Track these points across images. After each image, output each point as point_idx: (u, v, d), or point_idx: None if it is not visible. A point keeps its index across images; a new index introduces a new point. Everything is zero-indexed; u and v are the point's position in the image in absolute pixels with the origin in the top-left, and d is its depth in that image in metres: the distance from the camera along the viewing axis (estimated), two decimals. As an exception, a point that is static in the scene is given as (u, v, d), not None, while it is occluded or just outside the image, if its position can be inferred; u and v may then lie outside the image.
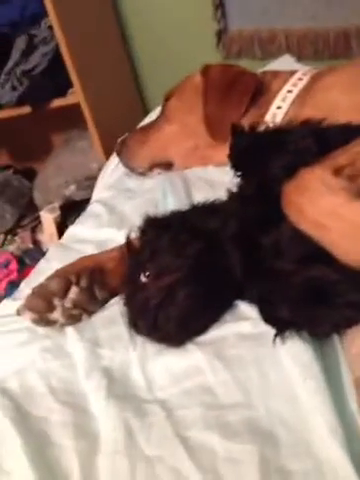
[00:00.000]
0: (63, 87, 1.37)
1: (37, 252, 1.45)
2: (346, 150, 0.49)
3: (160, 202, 0.81)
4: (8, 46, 1.38)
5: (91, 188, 1.22)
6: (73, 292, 0.59)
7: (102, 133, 1.38)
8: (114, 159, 1.06)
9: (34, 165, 1.78)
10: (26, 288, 0.69)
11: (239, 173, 0.61)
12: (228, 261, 0.52)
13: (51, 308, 0.58)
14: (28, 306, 0.59)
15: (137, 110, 1.63)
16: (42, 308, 0.58)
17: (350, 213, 0.42)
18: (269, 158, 0.56)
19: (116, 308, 0.58)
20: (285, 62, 1.20)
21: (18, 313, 0.59)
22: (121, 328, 0.55)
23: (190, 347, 0.51)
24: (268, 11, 1.38)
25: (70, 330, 0.58)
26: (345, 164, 0.46)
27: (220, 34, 1.46)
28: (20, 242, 1.56)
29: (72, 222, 0.96)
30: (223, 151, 0.68)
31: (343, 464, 0.37)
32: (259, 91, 0.84)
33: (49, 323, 0.59)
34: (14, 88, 1.36)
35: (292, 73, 0.86)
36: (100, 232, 0.80)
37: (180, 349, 0.51)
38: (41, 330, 0.59)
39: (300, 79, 0.84)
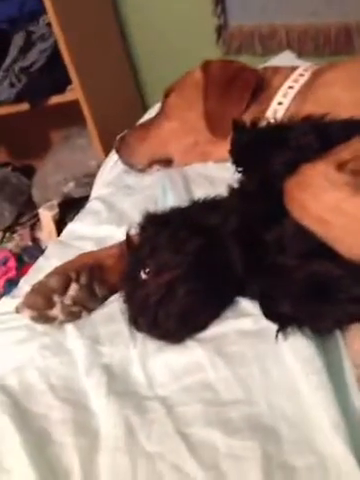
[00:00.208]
0: (61, 84, 1.37)
1: (36, 249, 1.44)
2: (349, 145, 0.49)
3: (160, 199, 0.80)
4: (6, 43, 1.38)
5: (90, 185, 1.21)
6: (73, 289, 0.59)
7: (101, 130, 1.38)
8: (113, 156, 1.06)
9: (33, 162, 1.78)
10: (25, 286, 0.69)
11: (240, 169, 0.61)
12: (228, 257, 0.52)
13: (50, 305, 0.58)
14: (27, 303, 0.58)
15: (136, 107, 1.62)
16: (41, 305, 0.58)
17: (353, 208, 0.42)
18: (270, 154, 0.56)
19: (116, 305, 0.57)
20: (286, 58, 1.19)
21: (17, 311, 0.59)
22: (121, 325, 0.54)
23: (190, 344, 0.50)
24: (268, 7, 1.38)
25: (70, 327, 0.57)
26: (348, 159, 0.46)
27: (220, 30, 1.45)
28: (19, 240, 1.56)
29: (71, 219, 0.95)
30: (223, 147, 0.67)
31: (346, 459, 0.37)
32: (260, 87, 0.84)
33: (48, 320, 0.58)
34: (12, 85, 1.36)
35: (293, 69, 0.86)
36: (99, 229, 0.80)
37: (180, 346, 0.51)
38: (40, 327, 0.59)
39: (301, 75, 0.83)
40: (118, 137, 1.00)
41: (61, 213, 1.41)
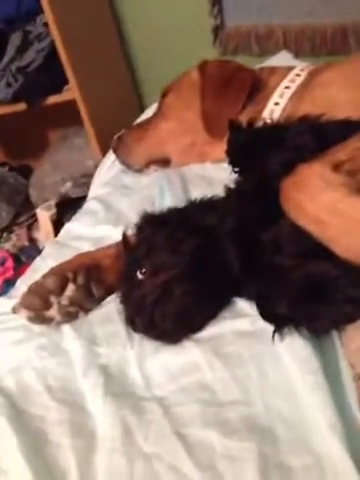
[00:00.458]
0: (59, 84, 1.36)
1: (33, 250, 1.44)
2: (345, 146, 0.49)
3: (157, 199, 0.80)
4: (3, 42, 1.38)
5: (87, 185, 1.21)
6: (70, 289, 0.59)
7: (98, 130, 1.37)
8: (110, 156, 1.06)
9: (30, 162, 1.77)
10: (22, 286, 0.69)
11: (237, 169, 0.61)
12: (225, 257, 0.52)
13: (47, 305, 0.58)
14: (24, 304, 0.58)
15: (134, 107, 1.62)
16: (38, 306, 0.58)
17: (350, 209, 0.42)
18: (267, 154, 0.56)
19: (113, 305, 0.57)
20: (282, 58, 1.19)
21: (14, 311, 0.59)
22: (118, 326, 0.54)
23: (187, 344, 0.50)
24: (265, 7, 1.38)
25: (66, 328, 0.57)
26: (344, 159, 0.46)
27: (217, 30, 1.45)
28: (16, 240, 1.55)
29: (68, 219, 0.95)
30: (220, 147, 0.67)
31: (342, 459, 0.37)
32: (256, 87, 0.84)
33: (45, 321, 0.58)
34: (9, 85, 1.35)
35: (290, 69, 0.86)
36: (96, 229, 0.80)
37: (177, 346, 0.51)
38: (37, 328, 0.59)
39: (298, 75, 0.83)
40: (115, 137, 1.00)
41: (58, 213, 1.41)
